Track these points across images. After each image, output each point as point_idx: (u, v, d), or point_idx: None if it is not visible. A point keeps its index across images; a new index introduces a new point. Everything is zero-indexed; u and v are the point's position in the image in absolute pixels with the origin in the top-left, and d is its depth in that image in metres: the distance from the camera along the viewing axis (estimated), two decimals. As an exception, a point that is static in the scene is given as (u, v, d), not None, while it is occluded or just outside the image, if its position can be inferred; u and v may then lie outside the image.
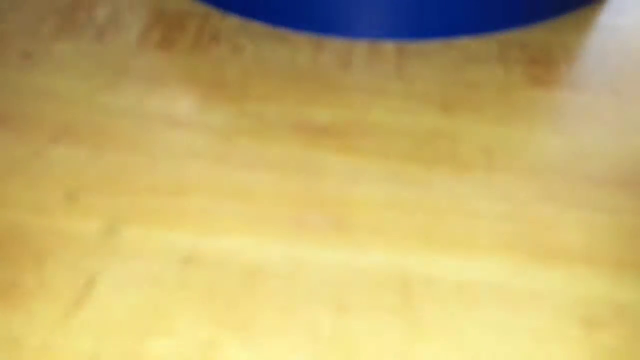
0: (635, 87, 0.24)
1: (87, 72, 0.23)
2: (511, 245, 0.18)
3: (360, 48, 0.25)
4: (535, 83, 0.24)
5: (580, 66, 0.25)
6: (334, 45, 0.25)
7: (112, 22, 0.26)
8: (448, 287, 0.17)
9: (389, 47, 0.26)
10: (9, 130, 0.21)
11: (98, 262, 0.17)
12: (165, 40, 0.25)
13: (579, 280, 0.17)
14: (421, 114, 0.23)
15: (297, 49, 0.25)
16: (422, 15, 0.25)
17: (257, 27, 0.26)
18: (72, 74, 0.23)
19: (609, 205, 0.19)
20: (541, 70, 0.24)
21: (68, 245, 0.18)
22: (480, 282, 0.17)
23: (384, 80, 0.24)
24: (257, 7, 0.26)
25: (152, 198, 0.19)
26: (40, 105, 0.22)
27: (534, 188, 0.20)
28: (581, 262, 0.18)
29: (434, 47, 0.26)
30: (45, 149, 0.20)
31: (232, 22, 0.26)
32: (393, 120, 0.22)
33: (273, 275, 0.17)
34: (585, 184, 0.20)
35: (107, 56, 0.24)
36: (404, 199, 0.19)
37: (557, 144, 0.21)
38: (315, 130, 0.22)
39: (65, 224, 0.18)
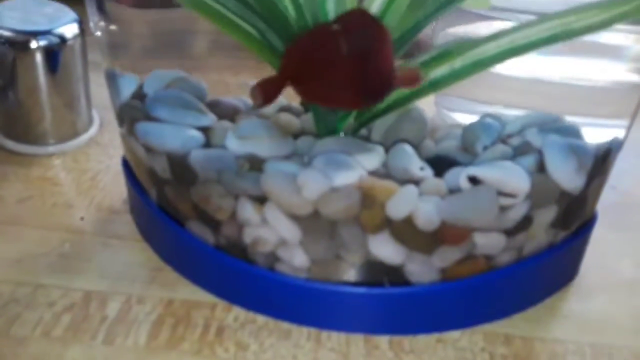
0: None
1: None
2: None
3: (356, 341, 0.27)
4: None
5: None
6: (332, 339, 0.27)
7: (122, 318, 0.27)
8: None
9: (383, 340, 0.27)
10: None
11: None
12: (173, 337, 0.26)
13: None
14: None
15: (297, 346, 0.27)
16: (412, 313, 0.27)
17: (261, 320, 0.27)
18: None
19: None
20: (527, 372, 0.26)
21: None
22: None
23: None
24: (261, 302, 0.28)
25: None
26: None
27: None
28: None
29: (425, 342, 0.27)
30: None
31: (237, 314, 0.28)
32: None
33: None
34: None
35: (117, 362, 0.25)
36: None
37: None
38: None
39: None
